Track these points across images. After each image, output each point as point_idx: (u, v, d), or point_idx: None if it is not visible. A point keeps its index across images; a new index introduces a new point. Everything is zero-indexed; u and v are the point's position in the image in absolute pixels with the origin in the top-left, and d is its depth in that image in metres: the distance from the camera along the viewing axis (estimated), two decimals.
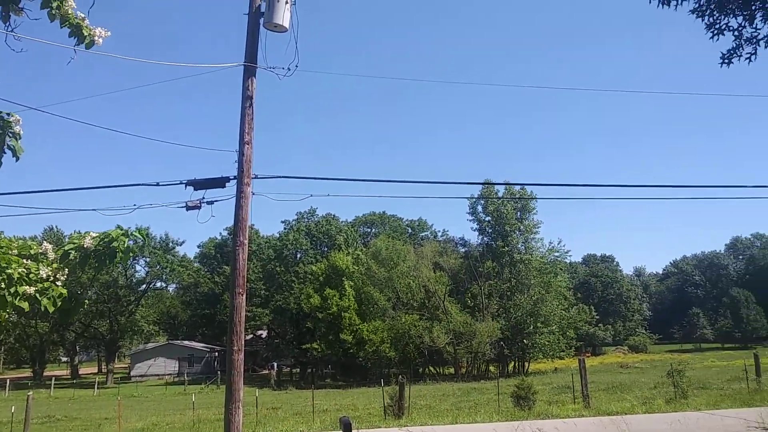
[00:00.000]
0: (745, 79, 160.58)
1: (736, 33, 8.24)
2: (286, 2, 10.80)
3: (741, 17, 8.04)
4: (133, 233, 6.80)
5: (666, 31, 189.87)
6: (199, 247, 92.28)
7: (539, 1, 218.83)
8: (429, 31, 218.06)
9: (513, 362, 65.57)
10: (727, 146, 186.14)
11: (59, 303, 6.28)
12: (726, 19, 8.19)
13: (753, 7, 8.02)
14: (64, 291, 6.33)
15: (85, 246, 6.52)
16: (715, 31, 8.33)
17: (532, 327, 60.41)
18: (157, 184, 10.84)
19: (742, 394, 22.68)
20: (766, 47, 8.22)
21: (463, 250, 71.71)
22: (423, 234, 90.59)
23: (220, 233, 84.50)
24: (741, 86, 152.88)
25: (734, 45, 8.45)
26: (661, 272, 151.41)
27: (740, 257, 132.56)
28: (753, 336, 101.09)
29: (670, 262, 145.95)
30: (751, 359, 28.14)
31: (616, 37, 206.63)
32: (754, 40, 8.39)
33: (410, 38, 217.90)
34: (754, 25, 8.15)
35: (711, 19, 8.30)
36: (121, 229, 6.85)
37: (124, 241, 6.69)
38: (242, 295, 10.33)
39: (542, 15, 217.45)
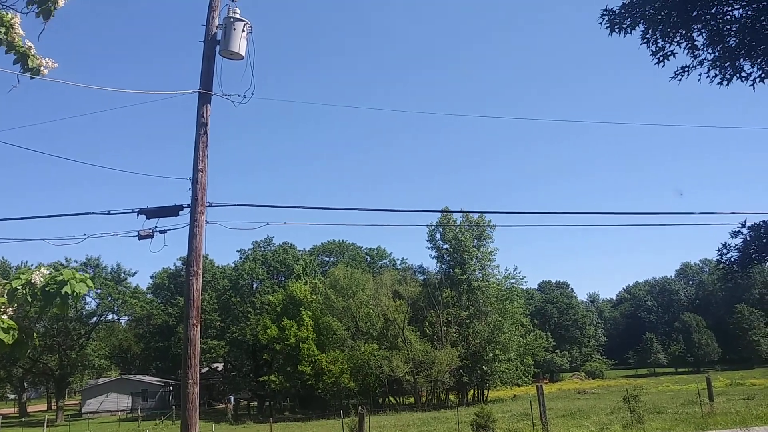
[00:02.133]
0: (695, 109, 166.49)
1: (690, 49, 8.54)
2: (243, 30, 10.77)
3: (684, 44, 8.35)
4: (85, 279, 6.55)
5: (621, 66, 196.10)
6: (152, 277, 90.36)
7: (503, 39, 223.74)
8: (393, 58, 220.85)
9: (472, 390, 65.42)
10: (676, 175, 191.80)
11: (16, 336, 6.02)
12: (671, 46, 8.48)
13: (693, 33, 8.34)
14: (13, 323, 6.07)
15: (32, 281, 6.28)
16: (661, 57, 8.61)
17: (490, 354, 60.51)
18: (108, 213, 10.55)
19: (696, 417, 23.02)
20: (709, 70, 8.55)
21: (422, 278, 71.73)
22: (382, 262, 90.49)
23: (174, 263, 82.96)
24: (690, 116, 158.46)
25: (687, 64, 8.75)
26: (614, 298, 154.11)
27: (690, 282, 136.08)
28: (705, 360, 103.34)
29: (623, 288, 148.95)
30: (703, 383, 28.67)
31: (576, 72, 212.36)
32: (703, 61, 8.71)
33: (370, 65, 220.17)
34: (694, 54, 8.50)
35: (656, 47, 8.59)
36: (73, 272, 6.59)
37: (76, 285, 6.43)
38: (197, 326, 10.06)
39: (506, 48, 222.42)
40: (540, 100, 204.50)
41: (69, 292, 6.06)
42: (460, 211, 65.40)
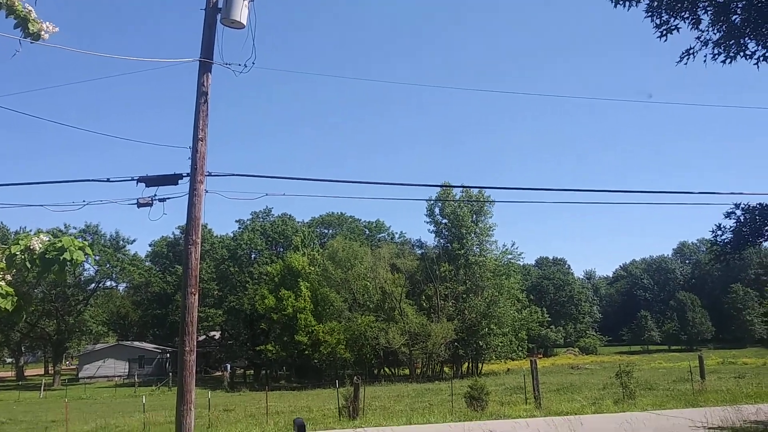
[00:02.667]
0: (697, 88, 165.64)
1: (694, 24, 8.50)
2: None
3: (689, 19, 8.31)
4: (84, 246, 6.55)
5: (628, 43, 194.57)
6: (150, 245, 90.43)
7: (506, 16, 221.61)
8: (394, 30, 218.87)
9: (467, 363, 66.15)
10: (677, 154, 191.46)
11: (15, 302, 6.08)
12: (675, 20, 8.45)
13: (699, 9, 8.30)
14: (10, 289, 6.11)
15: (31, 247, 6.30)
16: (664, 31, 8.58)
17: (486, 328, 61.06)
18: (108, 180, 10.58)
19: (687, 394, 23.30)
20: (714, 49, 8.53)
21: (419, 252, 72.05)
22: (380, 235, 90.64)
23: (173, 232, 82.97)
24: (692, 96, 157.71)
25: (691, 46, 8.74)
26: (611, 275, 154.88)
27: (687, 261, 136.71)
28: (698, 338, 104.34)
29: (620, 266, 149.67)
30: (696, 361, 28.96)
31: (575, 51, 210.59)
32: (707, 42, 8.69)
33: (373, 37, 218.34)
34: (699, 28, 8.48)
35: (660, 20, 8.55)
36: (73, 239, 6.59)
37: (75, 252, 6.44)
38: (195, 294, 10.15)
39: (506, 23, 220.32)
40: (545, 76, 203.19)
41: (68, 258, 6.10)
42: (460, 186, 65.68)
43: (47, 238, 6.52)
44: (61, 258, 6.18)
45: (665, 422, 15.81)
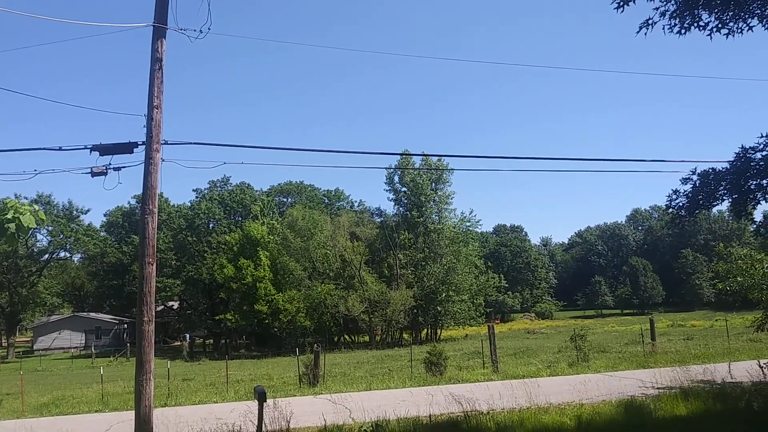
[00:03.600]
0: (656, 56, 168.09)
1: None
2: None
3: None
4: (32, 209, 6.37)
5: (577, 12, 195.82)
6: (105, 215, 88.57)
7: None
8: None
9: (426, 329, 67.09)
10: (632, 122, 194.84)
11: None
12: None
13: None
14: None
15: None
16: (621, 3, 8.69)
17: (444, 295, 61.91)
18: (60, 149, 10.27)
19: (639, 356, 24.16)
20: (670, 20, 8.68)
21: (379, 220, 72.30)
22: (339, 204, 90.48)
23: (129, 201, 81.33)
24: (651, 64, 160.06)
25: (650, 17, 8.86)
26: (566, 242, 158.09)
27: (639, 228, 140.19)
28: (650, 302, 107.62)
29: (575, 233, 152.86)
30: (647, 324, 29.97)
31: (527, 18, 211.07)
32: (665, 13, 8.82)
33: (329, 3, 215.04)
34: (654, 1, 8.62)
35: None
36: (19, 203, 6.42)
37: (24, 218, 6.27)
38: (152, 264, 10.04)
39: None
40: (500, 43, 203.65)
41: (19, 224, 5.95)
42: (420, 155, 65.79)
43: None
44: (12, 225, 6.04)
45: (617, 383, 16.39)
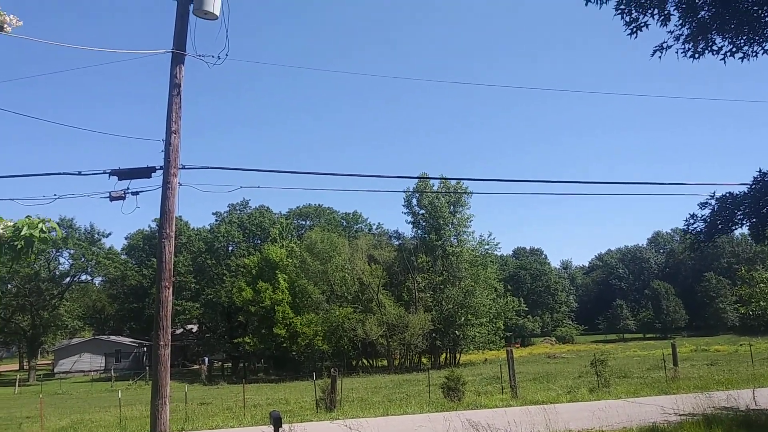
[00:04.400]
0: (674, 81, 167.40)
1: (663, 21, 8.61)
2: None
3: (658, 16, 8.40)
4: (47, 224, 6.44)
5: (598, 37, 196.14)
6: (126, 238, 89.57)
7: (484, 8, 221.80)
8: (367, 24, 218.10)
9: (445, 354, 66.52)
10: (652, 145, 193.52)
11: None
12: (644, 17, 8.55)
13: (668, 5, 8.40)
14: None
15: None
16: (634, 28, 8.69)
17: (463, 319, 61.45)
18: (80, 173, 10.43)
19: (660, 382, 23.71)
20: (683, 44, 8.65)
21: (397, 243, 72.15)
22: (358, 227, 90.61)
23: (149, 225, 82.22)
24: (670, 89, 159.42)
25: (664, 40, 8.84)
26: (587, 265, 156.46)
27: (661, 251, 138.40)
28: (673, 326, 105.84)
29: (596, 256, 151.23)
30: (669, 349, 29.46)
31: (549, 43, 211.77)
32: (679, 37, 8.80)
33: (348, 29, 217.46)
34: (668, 25, 8.60)
35: (630, 18, 8.65)
36: (31, 218, 6.47)
37: (35, 230, 6.30)
38: (169, 288, 10.07)
39: (480, 18, 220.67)
40: (520, 68, 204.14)
41: (23, 233, 5.95)
42: (438, 178, 65.42)
43: (11, 223, 6.40)
44: (22, 235, 6.05)
45: (638, 409, 16.08)
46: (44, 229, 6.39)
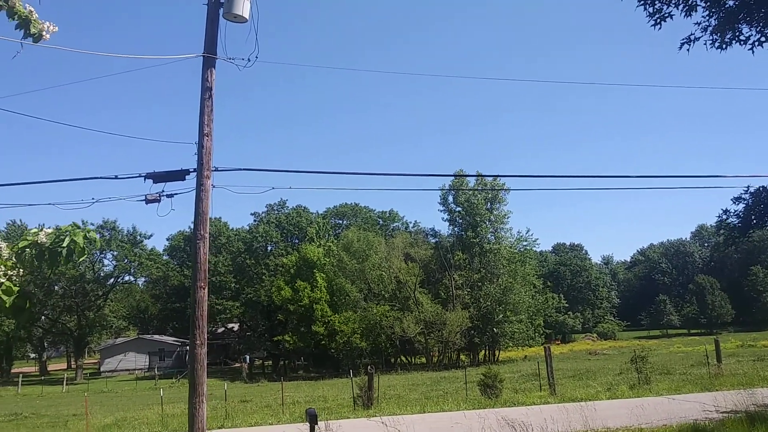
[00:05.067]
0: (717, 73, 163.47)
1: (687, 11, 8.44)
2: None
3: (682, 6, 8.23)
4: (87, 231, 6.66)
5: (639, 30, 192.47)
6: (168, 240, 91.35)
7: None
8: (398, 22, 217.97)
9: (483, 351, 66.20)
10: (696, 139, 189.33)
11: (15, 300, 6.19)
12: (668, 8, 8.38)
13: None
14: (15, 288, 6.23)
15: (39, 242, 6.43)
16: (658, 19, 8.52)
17: (501, 315, 61.08)
18: (116, 177, 10.67)
19: (703, 378, 23.20)
20: (711, 35, 8.46)
21: (433, 241, 72.02)
22: (394, 225, 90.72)
23: (189, 226, 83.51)
24: (711, 80, 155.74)
25: (692, 32, 8.66)
26: (628, 260, 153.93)
27: (705, 245, 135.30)
28: (718, 321, 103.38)
29: (638, 250, 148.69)
30: (713, 345, 28.80)
31: (588, 37, 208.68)
32: (707, 28, 8.62)
33: (380, 27, 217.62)
34: (692, 15, 8.41)
35: (653, 9, 8.49)
36: (75, 225, 6.73)
37: (79, 237, 6.55)
38: (204, 289, 10.24)
39: (521, 14, 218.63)
40: (556, 63, 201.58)
41: (66, 244, 6.17)
42: (474, 175, 65.20)
43: (52, 232, 6.64)
44: (63, 245, 6.28)
45: (677, 407, 15.78)
46: (87, 237, 6.63)
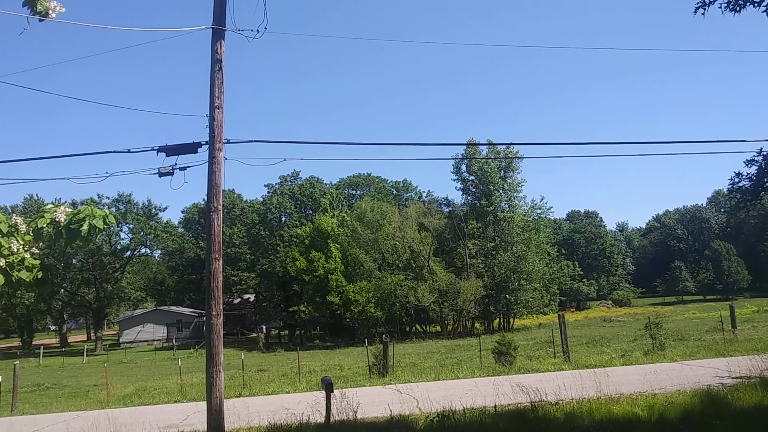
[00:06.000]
0: (735, 34, 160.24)
1: None
2: None
3: None
4: (104, 214, 6.76)
5: None
6: (183, 212, 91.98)
7: None
8: None
9: (498, 319, 66.48)
10: (709, 98, 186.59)
11: (37, 273, 6.32)
12: None
13: None
14: (36, 262, 6.35)
15: (57, 219, 6.54)
16: None
17: (515, 284, 61.20)
18: (129, 151, 10.74)
19: (718, 344, 23.22)
20: None
21: (447, 210, 71.91)
22: (407, 195, 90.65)
23: (203, 198, 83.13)
24: (730, 42, 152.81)
25: None
26: (644, 227, 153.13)
27: (722, 210, 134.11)
28: (734, 287, 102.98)
29: (653, 217, 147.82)
30: (728, 311, 28.78)
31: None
32: None
33: None
34: None
35: None
36: (93, 202, 6.80)
37: (95, 219, 6.65)
38: (219, 260, 10.34)
39: None
40: (570, 25, 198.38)
41: (85, 229, 6.30)
42: (486, 144, 64.77)
43: (70, 210, 6.75)
44: (81, 229, 6.39)
45: (690, 372, 15.83)
46: (107, 222, 6.73)
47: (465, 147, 64.10)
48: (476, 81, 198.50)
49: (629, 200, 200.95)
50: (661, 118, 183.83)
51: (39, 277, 6.20)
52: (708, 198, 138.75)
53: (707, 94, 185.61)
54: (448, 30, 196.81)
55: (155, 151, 10.52)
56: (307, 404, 13.20)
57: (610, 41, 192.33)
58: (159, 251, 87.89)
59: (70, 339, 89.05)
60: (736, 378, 13.59)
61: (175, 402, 18.96)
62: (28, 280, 6.01)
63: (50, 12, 5.91)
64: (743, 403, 10.88)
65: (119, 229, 75.46)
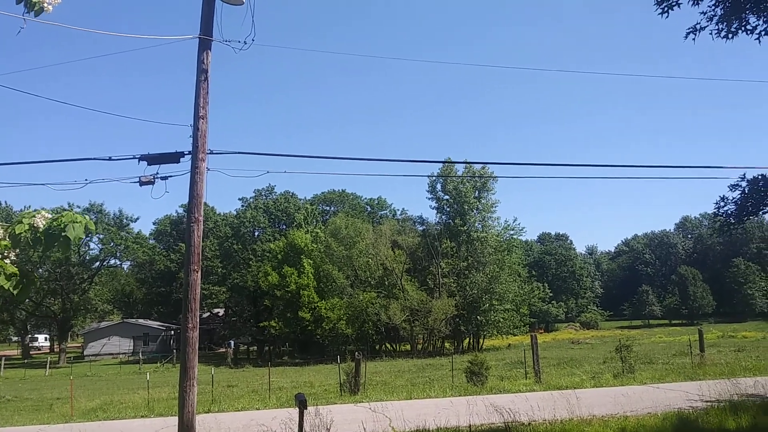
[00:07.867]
0: (705, 63, 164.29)
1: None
2: None
3: None
4: (85, 222, 6.64)
5: (627, 15, 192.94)
6: (154, 224, 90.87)
7: None
8: (389, 8, 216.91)
9: (468, 339, 66.54)
10: (679, 126, 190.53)
11: (14, 281, 6.17)
12: None
13: None
14: (15, 269, 6.20)
15: (35, 225, 6.39)
16: (665, 8, 8.58)
17: (487, 304, 61.40)
18: (110, 159, 10.61)
19: (686, 368, 23.55)
20: (717, 24, 8.53)
21: (421, 228, 72.04)
22: (382, 212, 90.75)
23: (176, 210, 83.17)
24: (699, 70, 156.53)
25: (698, 22, 8.73)
26: (612, 250, 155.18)
27: (689, 236, 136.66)
28: (699, 312, 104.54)
29: (622, 241, 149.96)
30: (696, 335, 29.20)
31: (574, 17, 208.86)
32: (713, 18, 8.69)
33: (368, 16, 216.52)
34: (698, 5, 8.48)
35: None
36: (74, 214, 6.70)
37: (76, 228, 6.53)
38: (197, 272, 10.22)
39: None
40: (545, 47, 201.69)
41: (69, 236, 6.18)
42: (463, 162, 65.27)
43: (50, 216, 6.62)
44: (63, 235, 6.27)
45: (662, 395, 16.01)
46: (87, 229, 6.63)
47: (441, 165, 64.48)
48: (456, 103, 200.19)
49: (599, 224, 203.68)
50: (632, 143, 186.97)
51: (18, 283, 6.06)
52: (675, 224, 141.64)
53: (682, 120, 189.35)
54: (431, 51, 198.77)
55: (137, 160, 10.42)
56: (280, 421, 13.04)
57: (583, 66, 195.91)
58: (128, 263, 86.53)
59: (33, 351, 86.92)
60: (706, 401, 13.78)
61: (142, 417, 18.60)
62: (7, 287, 5.87)
63: (46, 5, 5.77)
64: (712, 426, 11.03)
65: (89, 238, 74.15)
